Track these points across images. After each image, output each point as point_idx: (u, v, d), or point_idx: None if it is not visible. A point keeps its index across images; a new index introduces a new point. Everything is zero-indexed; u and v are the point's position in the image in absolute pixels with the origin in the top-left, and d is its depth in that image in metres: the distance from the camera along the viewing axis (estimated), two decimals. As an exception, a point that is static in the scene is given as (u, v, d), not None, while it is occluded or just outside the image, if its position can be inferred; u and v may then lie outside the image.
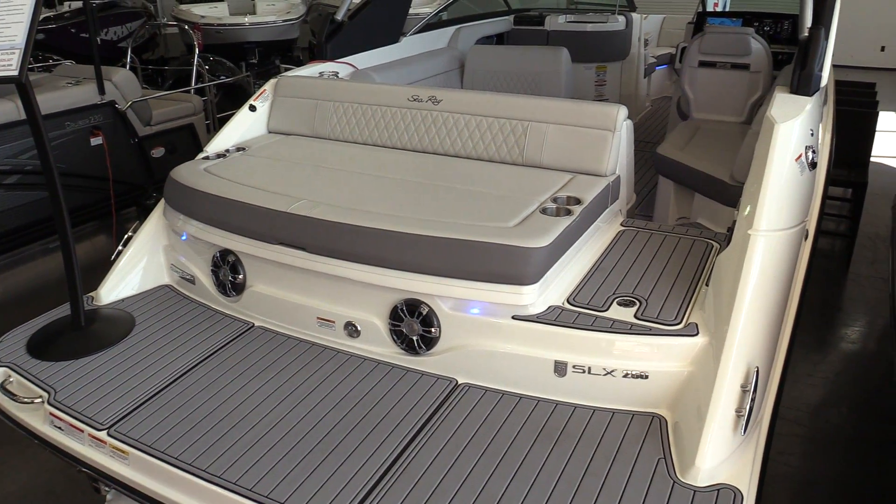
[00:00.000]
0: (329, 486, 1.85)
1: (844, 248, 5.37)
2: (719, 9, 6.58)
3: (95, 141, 4.61)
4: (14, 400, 2.30)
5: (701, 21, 5.39)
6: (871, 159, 5.46)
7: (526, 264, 2.11)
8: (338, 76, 3.68)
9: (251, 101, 3.36)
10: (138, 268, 2.90)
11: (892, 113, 8.63)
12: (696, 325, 2.11)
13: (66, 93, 4.45)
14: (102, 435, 2.07)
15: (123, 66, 6.56)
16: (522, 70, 4.65)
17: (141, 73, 7.29)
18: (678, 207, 3.70)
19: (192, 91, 6.05)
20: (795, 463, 3.22)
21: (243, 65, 10.21)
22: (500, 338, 2.21)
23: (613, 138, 2.69)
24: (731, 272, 2.11)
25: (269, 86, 3.43)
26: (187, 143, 5.32)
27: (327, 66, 3.72)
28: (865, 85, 6.27)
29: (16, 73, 2.10)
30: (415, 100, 3.06)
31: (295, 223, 2.39)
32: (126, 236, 2.94)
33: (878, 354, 4.11)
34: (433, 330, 2.28)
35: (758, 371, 1.91)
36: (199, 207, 2.65)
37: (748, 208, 2.21)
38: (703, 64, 4.28)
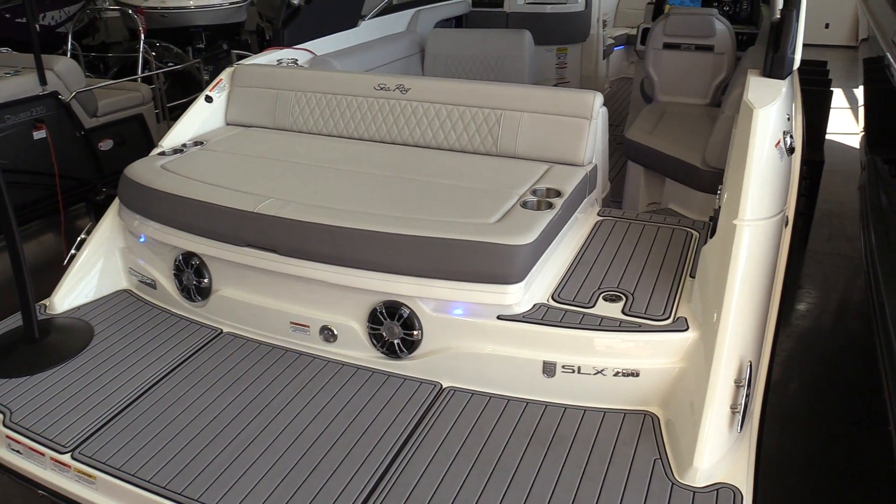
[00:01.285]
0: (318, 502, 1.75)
1: (802, 225, 5.44)
2: (674, -12, 6.55)
3: (38, 134, 4.34)
4: (-35, 423, 2.13)
5: (661, 2, 5.36)
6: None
7: (511, 262, 2.04)
8: (297, 63, 3.53)
9: (207, 92, 3.19)
10: (94, 272, 2.73)
11: (841, 90, 8.80)
12: (686, 319, 2.07)
13: (4, 84, 4.16)
14: (66, 458, 1.94)
15: (64, 53, 6.23)
16: (485, 54, 4.55)
17: (83, 60, 6.94)
18: (648, 193, 3.67)
19: (140, 79, 5.77)
20: (765, 443, 3.24)
21: (190, 50, 9.83)
22: (486, 339, 2.13)
23: (590, 126, 2.63)
24: (718, 263, 2.07)
25: (225, 75, 3.26)
26: (137, 134, 5.06)
27: (285, 53, 3.56)
28: (817, 63, 6.34)
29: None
30: (381, 88, 2.94)
31: (264, 224, 2.26)
32: (79, 239, 2.77)
33: (835, 329, 4.17)
34: (415, 333, 2.19)
35: (751, 365, 1.87)
36: (158, 207, 2.50)
37: (731, 197, 2.18)
38: (667, 46, 4.25)
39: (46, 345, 2.39)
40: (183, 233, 2.44)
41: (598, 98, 2.65)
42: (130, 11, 6.47)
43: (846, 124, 7.57)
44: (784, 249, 2.38)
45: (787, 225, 2.42)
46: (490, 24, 5.60)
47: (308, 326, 2.33)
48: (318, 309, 2.33)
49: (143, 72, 6.00)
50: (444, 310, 2.16)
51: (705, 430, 1.78)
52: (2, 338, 2.44)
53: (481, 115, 2.77)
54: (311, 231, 2.19)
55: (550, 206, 2.30)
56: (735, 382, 1.85)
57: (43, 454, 1.97)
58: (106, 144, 4.88)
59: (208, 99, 3.18)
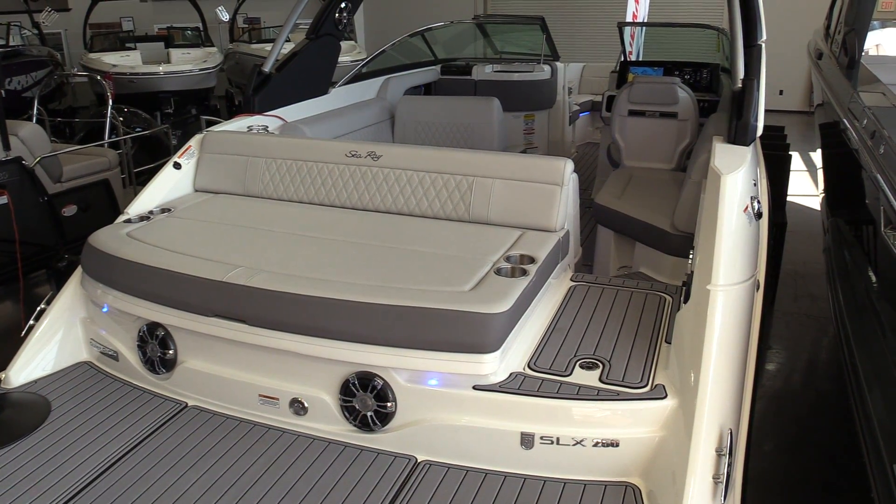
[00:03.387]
0: None
1: (768, 286, 5.50)
2: (633, 58, 6.78)
3: (0, 200, 4.25)
4: None
5: (624, 70, 5.52)
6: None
7: (486, 331, 2.00)
8: (267, 129, 3.53)
9: (175, 158, 3.16)
10: (52, 343, 2.63)
11: (798, 153, 9.09)
12: (663, 386, 2.04)
13: (-35, 150, 4.10)
14: None
15: (30, 118, 6.18)
16: (454, 121, 4.62)
17: (49, 125, 6.88)
18: (619, 256, 3.70)
19: (106, 144, 5.73)
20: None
21: (158, 115, 9.85)
22: (462, 410, 2.08)
23: (562, 192, 2.64)
24: (693, 329, 2.06)
25: (194, 142, 3.24)
26: (102, 200, 4.99)
27: (256, 120, 3.57)
28: (776, 129, 6.56)
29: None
30: (353, 155, 2.94)
31: (232, 293, 2.21)
32: (38, 308, 2.67)
33: (805, 389, 4.18)
34: (388, 404, 2.13)
35: (731, 433, 1.85)
36: (122, 276, 2.43)
37: (703, 263, 2.19)
38: (632, 113, 4.36)
39: (-1, 422, 2.27)
40: (148, 302, 2.37)
41: (569, 165, 2.68)
42: (99, 77, 6.46)
43: (804, 186, 7.79)
44: (757, 313, 2.39)
45: (758, 289, 2.43)
46: (458, 92, 5.71)
47: (277, 399, 2.25)
48: (288, 381, 2.26)
49: (110, 137, 5.96)
50: (418, 380, 2.11)
51: (689, 500, 1.74)
52: (-49, 415, 2.31)
53: (453, 181, 2.78)
54: (281, 301, 2.14)
55: (525, 272, 2.29)
56: (716, 451, 1.81)
57: None
58: (70, 210, 4.80)
59: (177, 165, 3.15)
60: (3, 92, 8.71)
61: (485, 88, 5.77)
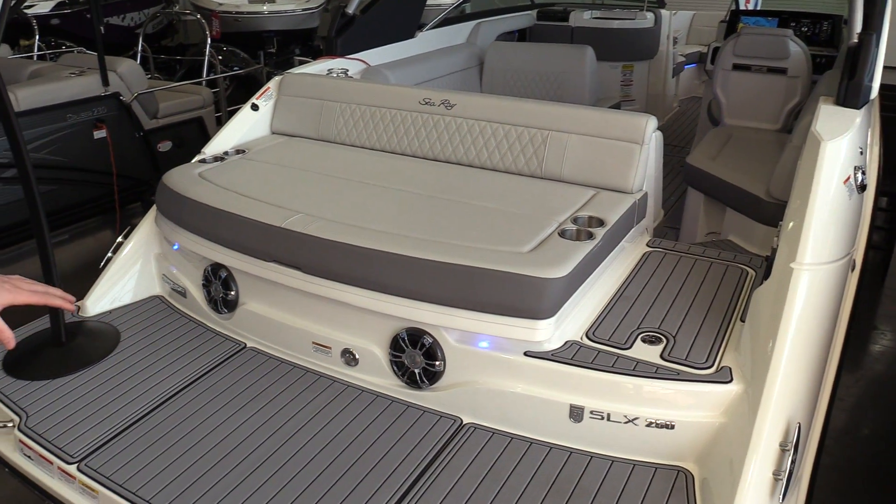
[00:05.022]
0: None
1: (879, 261, 5.08)
2: (751, 6, 6.26)
3: (99, 134, 4.44)
4: (-16, 424, 2.13)
5: (734, 20, 5.11)
6: None
7: (541, 297, 1.90)
8: (347, 73, 3.47)
9: (253, 100, 3.16)
10: (128, 276, 2.72)
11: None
12: (730, 369, 1.89)
13: (68, 83, 4.28)
14: (72, 469, 1.90)
15: (134, 55, 6.40)
16: (545, 69, 4.42)
17: (154, 62, 7.11)
18: (708, 222, 3.47)
19: (204, 83, 5.87)
20: (822, 497, 2.98)
21: (261, 55, 10.01)
22: (511, 376, 2.00)
23: (641, 152, 2.47)
24: (770, 310, 1.88)
25: (273, 83, 3.23)
26: (195, 137, 5.14)
27: (337, 63, 3.52)
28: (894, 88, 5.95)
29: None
30: (426, 103, 2.85)
31: (290, 240, 2.19)
32: (117, 242, 2.76)
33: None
34: (437, 363, 2.08)
35: (799, 428, 1.68)
36: (191, 217, 2.47)
37: (789, 237, 1.98)
38: (736, 67, 4.02)
39: (72, 348, 2.38)
40: (212, 243, 2.40)
41: (652, 122, 2.49)
42: (198, 16, 6.59)
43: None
44: (849, 297, 2.17)
45: (853, 270, 2.20)
46: (554, 39, 5.46)
47: (330, 348, 2.25)
48: (341, 331, 2.24)
49: (207, 75, 6.09)
50: (468, 341, 2.04)
51: (743, 496, 1.60)
52: (31, 339, 2.44)
53: (527, 134, 2.65)
54: (335, 250, 2.10)
55: (591, 236, 2.15)
56: (780, 446, 1.66)
57: (51, 462, 1.94)
58: (165, 146, 4.97)
59: (254, 107, 3.15)
60: (115, 25, 9.06)
61: (582, 36, 5.49)
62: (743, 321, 2.07)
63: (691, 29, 6.97)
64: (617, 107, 4.77)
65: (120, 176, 4.55)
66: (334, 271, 2.12)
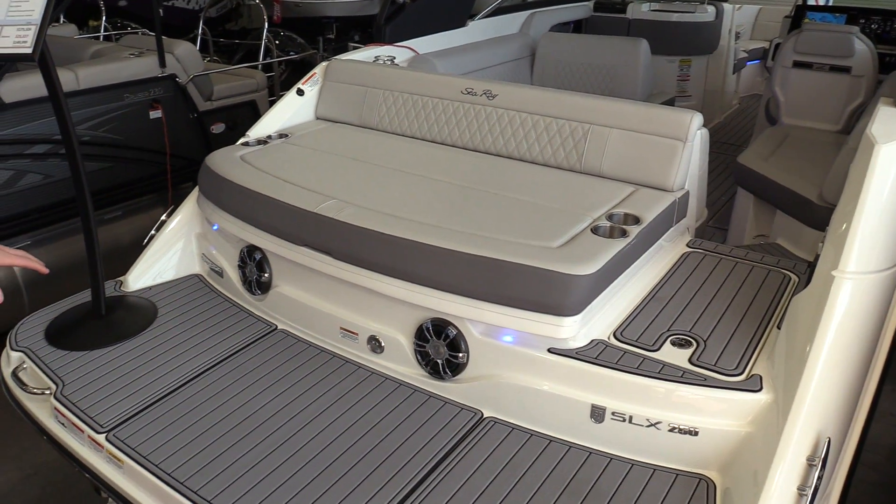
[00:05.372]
0: None
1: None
2: (822, 2, 6.01)
3: (154, 114, 4.54)
4: (23, 389, 2.22)
5: (799, 15, 4.92)
6: None
7: (566, 293, 1.87)
8: (394, 61, 3.47)
9: (299, 85, 3.19)
10: (170, 255, 2.79)
11: None
12: (760, 378, 1.82)
13: (127, 64, 4.39)
14: (101, 438, 1.96)
15: (194, 38, 6.53)
16: (597, 61, 4.33)
17: (213, 45, 7.25)
18: (757, 224, 3.36)
19: (260, 67, 5.96)
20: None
21: (320, 41, 10.10)
22: (533, 372, 1.97)
23: (684, 149, 2.39)
24: (808, 319, 1.80)
25: (319, 69, 3.25)
26: (248, 120, 5.20)
27: (385, 50, 3.52)
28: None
29: (29, 50, 1.97)
30: (468, 92, 2.82)
31: (321, 225, 2.21)
32: (160, 220, 2.83)
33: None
34: (460, 355, 2.07)
35: (829, 443, 1.61)
36: (229, 198, 2.51)
37: (833, 243, 1.90)
38: (797, 64, 3.87)
39: (110, 322, 2.45)
40: (248, 225, 2.44)
41: (697, 118, 2.41)
42: (259, 1, 6.68)
43: None
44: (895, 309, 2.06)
45: None
46: (610, 31, 5.35)
47: (357, 334, 2.26)
48: (368, 318, 2.25)
49: (264, 59, 6.18)
50: (492, 335, 2.02)
51: None
52: (72, 310, 2.53)
53: (568, 127, 2.60)
54: (364, 237, 2.11)
55: (624, 233, 2.10)
56: (808, 460, 1.60)
57: (82, 430, 2.01)
58: (218, 127, 5.06)
59: (300, 92, 3.18)
60: (182, 9, 9.26)
61: (639, 28, 5.36)
62: (779, 328, 1.99)
63: (756, 24, 6.73)
64: (671, 102, 4.65)
65: (173, 156, 4.65)
66: (362, 258, 2.12)
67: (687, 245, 2.52)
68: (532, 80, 4.53)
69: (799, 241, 2.93)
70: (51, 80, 2.19)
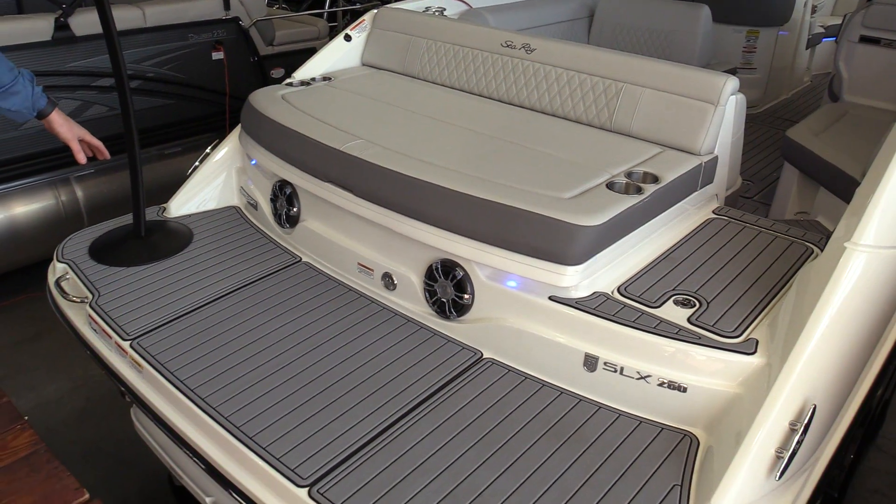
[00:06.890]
0: (316, 437, 1.77)
1: None
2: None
3: (216, 55, 4.70)
4: (64, 297, 2.39)
5: (879, -11, 4.66)
6: None
7: (570, 242, 1.89)
8: (444, 12, 3.49)
9: (347, 31, 3.26)
10: (211, 186, 2.92)
11: None
12: (757, 342, 1.82)
13: (193, 5, 4.54)
14: (126, 345, 2.11)
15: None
16: (656, 26, 4.23)
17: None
18: (800, 200, 3.27)
19: (325, 15, 6.05)
20: (876, 501, 2.81)
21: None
22: (533, 318, 2.02)
23: (715, 113, 2.36)
24: (814, 287, 1.78)
25: (368, 16, 3.30)
26: (307, 67, 5.33)
27: (436, 1, 3.54)
28: None
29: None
30: (507, 45, 2.83)
31: (346, 162, 2.28)
32: (203, 153, 2.96)
33: None
34: (466, 297, 2.12)
35: (814, 410, 1.61)
36: (266, 134, 2.61)
37: (851, 214, 1.86)
38: (864, 39, 3.71)
39: (148, 243, 2.61)
40: (280, 160, 2.53)
41: (731, 82, 2.36)
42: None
43: None
44: None
45: None
46: None
47: (373, 270, 2.34)
48: (384, 255, 2.33)
49: (330, 7, 6.26)
50: (498, 279, 2.07)
51: (738, 465, 1.57)
52: (116, 231, 2.69)
53: (602, 85, 2.59)
54: (382, 176, 2.17)
55: (640, 191, 2.10)
56: (790, 424, 1.60)
57: (111, 337, 2.16)
58: (278, 72, 5.18)
59: (347, 37, 3.24)
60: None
61: None
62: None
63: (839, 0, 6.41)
64: (732, 72, 4.51)
65: (232, 97, 4.81)
66: (381, 196, 2.19)
67: (713, 211, 2.50)
68: (588, 41, 4.46)
69: (838, 220, 2.85)
70: (105, 18, 2.32)
